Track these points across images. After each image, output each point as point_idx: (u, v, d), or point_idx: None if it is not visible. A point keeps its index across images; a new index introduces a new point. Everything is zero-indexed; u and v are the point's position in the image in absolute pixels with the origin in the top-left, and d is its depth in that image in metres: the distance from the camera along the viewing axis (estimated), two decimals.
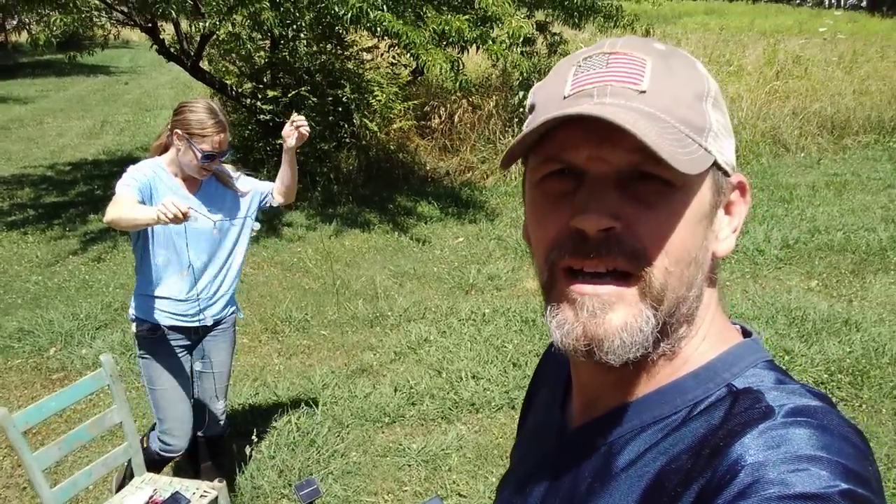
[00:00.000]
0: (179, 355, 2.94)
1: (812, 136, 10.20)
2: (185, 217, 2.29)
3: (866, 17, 28.86)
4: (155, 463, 3.03)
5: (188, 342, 2.97)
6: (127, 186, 2.57)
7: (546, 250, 0.69)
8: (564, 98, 0.67)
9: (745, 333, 0.76)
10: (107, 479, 3.36)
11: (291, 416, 3.91)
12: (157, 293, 2.82)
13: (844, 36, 15.83)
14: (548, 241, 0.69)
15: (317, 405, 4.01)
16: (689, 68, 0.70)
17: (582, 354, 0.67)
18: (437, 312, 5.25)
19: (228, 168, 2.97)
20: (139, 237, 2.77)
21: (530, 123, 0.70)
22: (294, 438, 3.73)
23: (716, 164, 0.68)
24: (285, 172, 2.98)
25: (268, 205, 3.04)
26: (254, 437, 3.75)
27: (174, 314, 2.86)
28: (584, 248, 0.65)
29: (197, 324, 2.93)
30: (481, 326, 4.96)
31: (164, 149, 2.80)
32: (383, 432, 3.83)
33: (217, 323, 3.02)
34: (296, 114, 2.90)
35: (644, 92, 0.65)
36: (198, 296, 2.88)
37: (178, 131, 2.67)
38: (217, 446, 3.29)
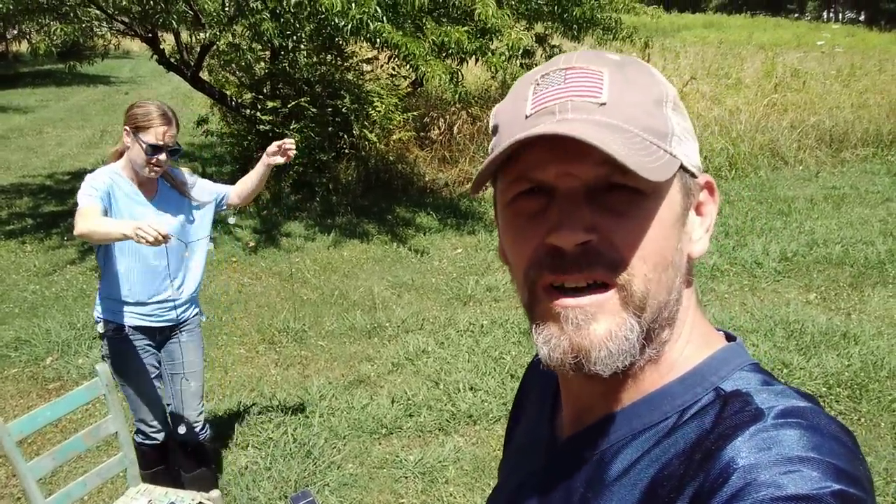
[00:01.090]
0: (144, 354, 2.96)
1: (810, 150, 10.23)
2: (166, 240, 2.32)
3: (864, 30, 29.05)
4: (145, 457, 3.05)
5: (152, 342, 2.99)
6: (89, 197, 2.60)
7: (525, 269, 0.69)
8: (527, 117, 0.68)
9: (729, 338, 0.76)
10: (101, 490, 3.34)
11: (288, 427, 3.90)
12: (121, 297, 2.85)
13: (842, 49, 15.92)
14: (525, 259, 0.69)
15: (314, 416, 4.00)
16: (645, 75, 0.70)
17: (571, 367, 0.66)
18: (436, 324, 5.24)
19: (185, 172, 3.02)
20: (100, 247, 2.81)
21: (496, 145, 0.71)
22: (290, 449, 3.71)
23: (683, 168, 0.69)
24: (253, 182, 3.08)
25: (225, 205, 3.12)
26: (250, 447, 3.74)
27: (139, 315, 2.89)
28: (563, 264, 0.66)
29: (161, 324, 2.95)
30: (479, 338, 4.95)
31: (121, 155, 2.83)
32: (380, 444, 3.82)
33: (181, 323, 3.04)
34: (288, 139, 3.00)
35: (604, 104, 0.66)
36: (166, 298, 2.91)
37: (127, 128, 2.72)
38: (199, 454, 3.22)
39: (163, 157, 2.73)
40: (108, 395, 2.67)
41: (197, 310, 3.13)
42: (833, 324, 5.03)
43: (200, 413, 3.16)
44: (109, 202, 2.66)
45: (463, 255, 6.80)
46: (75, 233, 2.52)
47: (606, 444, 0.72)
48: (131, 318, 2.89)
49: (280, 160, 2.98)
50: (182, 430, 3.10)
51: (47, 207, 8.15)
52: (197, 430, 3.15)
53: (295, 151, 3.00)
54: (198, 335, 3.13)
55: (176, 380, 3.09)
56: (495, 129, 0.73)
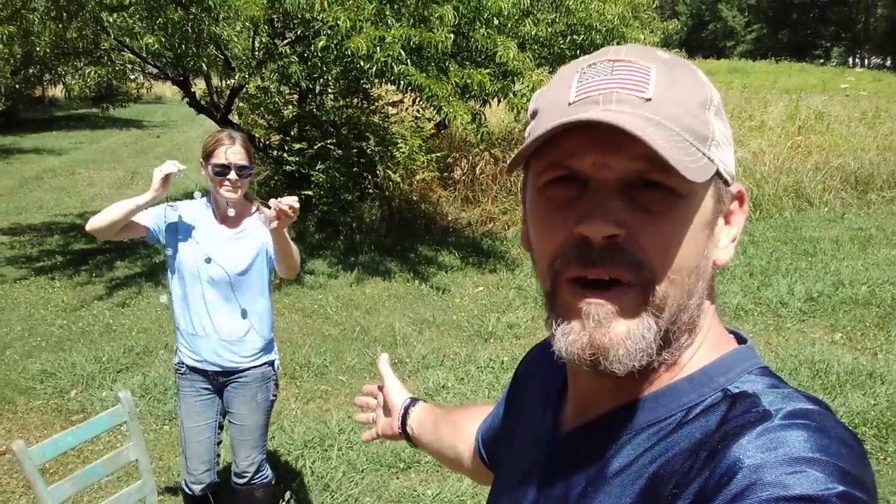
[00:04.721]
0: (202, 397, 2.88)
1: (835, 191, 10.17)
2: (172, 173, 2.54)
3: (891, 75, 28.95)
4: (190, 501, 3.00)
5: (209, 385, 2.88)
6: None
7: (550, 258, 0.69)
8: (570, 104, 0.67)
9: (740, 340, 0.76)
10: None
11: (306, 460, 3.90)
12: (179, 327, 2.86)
13: (867, 93, 15.87)
14: (552, 248, 0.69)
15: (332, 450, 4.00)
16: (692, 77, 0.70)
17: (586, 364, 0.67)
18: (456, 360, 5.23)
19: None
20: (169, 268, 2.84)
21: (535, 129, 0.70)
22: (308, 482, 3.71)
23: (718, 173, 0.68)
24: (275, 251, 2.73)
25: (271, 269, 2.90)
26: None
27: (190, 353, 2.83)
28: (589, 256, 0.65)
29: (211, 367, 2.83)
30: (500, 374, 4.93)
31: None
32: (398, 478, 3.80)
33: (234, 373, 2.85)
34: (288, 197, 2.55)
35: (649, 100, 0.65)
36: (205, 334, 2.79)
37: (201, 160, 2.75)
38: (249, 500, 3.03)
39: (232, 175, 2.66)
40: (130, 423, 2.68)
41: (259, 361, 2.87)
42: (859, 363, 4.96)
43: (251, 463, 2.93)
44: (177, 227, 2.76)
45: (484, 292, 6.81)
46: (87, 228, 2.64)
47: (609, 437, 0.71)
48: (186, 356, 2.83)
49: (275, 224, 2.55)
50: (233, 474, 2.99)
51: (77, 245, 8.30)
52: (244, 479, 2.95)
53: (292, 209, 2.51)
54: (251, 389, 2.86)
55: (230, 427, 2.95)
56: (534, 114, 0.73)
